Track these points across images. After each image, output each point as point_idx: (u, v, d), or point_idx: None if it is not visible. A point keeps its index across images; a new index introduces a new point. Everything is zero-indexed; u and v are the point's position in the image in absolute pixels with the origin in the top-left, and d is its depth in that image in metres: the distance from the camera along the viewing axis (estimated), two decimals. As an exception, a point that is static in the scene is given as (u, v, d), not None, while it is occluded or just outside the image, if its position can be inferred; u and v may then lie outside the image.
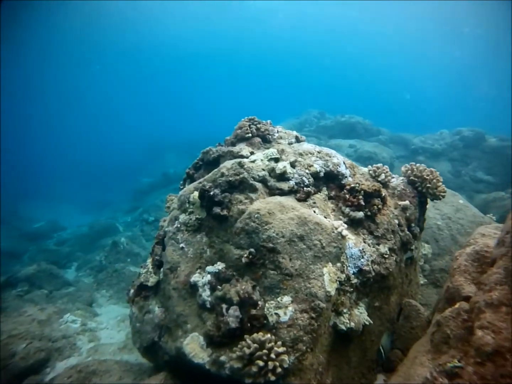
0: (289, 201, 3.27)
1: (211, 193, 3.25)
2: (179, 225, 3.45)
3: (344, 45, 58.60)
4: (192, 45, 53.49)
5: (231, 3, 39.36)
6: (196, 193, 3.44)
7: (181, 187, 4.54)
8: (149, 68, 51.68)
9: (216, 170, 3.51)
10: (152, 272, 3.67)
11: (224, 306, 2.78)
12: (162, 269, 3.52)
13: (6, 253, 13.09)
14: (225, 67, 61.72)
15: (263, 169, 3.49)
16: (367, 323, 3.05)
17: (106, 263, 9.86)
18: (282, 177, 3.45)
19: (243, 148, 3.91)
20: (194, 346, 2.84)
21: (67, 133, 49.85)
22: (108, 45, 43.46)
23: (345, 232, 3.14)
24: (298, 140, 4.40)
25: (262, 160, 3.62)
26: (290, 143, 4.25)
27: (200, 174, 4.18)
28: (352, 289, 3.05)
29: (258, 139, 4.10)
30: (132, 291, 4.05)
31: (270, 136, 4.21)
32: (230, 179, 3.30)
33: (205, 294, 2.98)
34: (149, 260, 3.85)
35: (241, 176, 3.30)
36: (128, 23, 39.79)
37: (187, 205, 3.48)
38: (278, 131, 4.37)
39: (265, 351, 2.47)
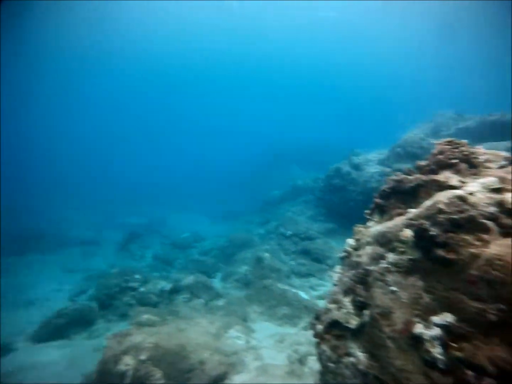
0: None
1: (432, 233, 2.88)
2: (387, 265, 3.18)
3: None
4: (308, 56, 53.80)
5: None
6: (407, 231, 3.11)
7: (369, 217, 4.27)
8: (264, 78, 53.60)
9: (429, 205, 3.12)
10: (353, 313, 3.46)
11: (469, 373, 2.36)
12: (367, 312, 3.28)
13: (162, 259, 14.91)
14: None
15: (489, 203, 2.96)
16: None
17: (252, 277, 10.29)
18: (514, 212, 2.87)
19: (450, 177, 3.43)
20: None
21: (194, 147, 55.42)
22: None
23: None
24: (510, 161, 3.69)
25: (481, 191, 3.09)
26: (501, 167, 3.59)
27: (393, 205, 3.84)
28: None
29: (464, 165, 3.57)
30: (320, 326, 3.92)
31: (476, 160, 3.63)
32: (454, 216, 2.87)
33: (436, 351, 2.60)
34: (346, 299, 3.66)
35: (467, 213, 2.84)
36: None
37: (397, 244, 3.18)
38: (484, 153, 3.75)
39: None
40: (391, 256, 3.20)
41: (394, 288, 3.06)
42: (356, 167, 15.08)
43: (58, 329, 9.71)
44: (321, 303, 8.73)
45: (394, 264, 3.13)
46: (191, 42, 35.87)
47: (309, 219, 15.41)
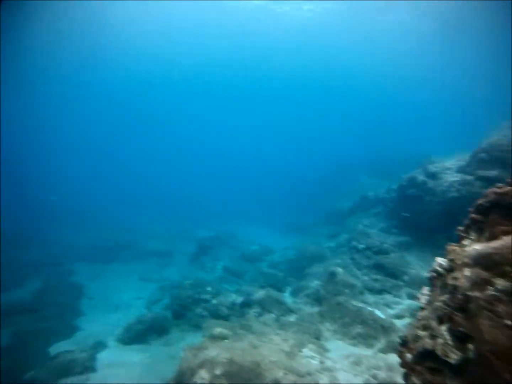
0: None
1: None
2: (496, 293, 2.76)
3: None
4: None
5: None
6: (518, 253, 2.68)
7: (463, 234, 3.80)
8: (329, 86, 52.55)
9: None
10: (452, 345, 3.06)
11: None
12: (471, 346, 2.87)
13: (232, 272, 15.13)
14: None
15: None
16: None
17: (324, 293, 9.92)
18: None
19: None
20: None
21: (260, 159, 56.08)
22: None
23: None
24: None
25: None
26: None
27: (495, 221, 3.37)
28: None
29: None
30: (409, 355, 3.54)
31: None
32: None
33: None
34: (442, 327, 3.26)
35: None
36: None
37: (509, 268, 2.75)
38: None
39: None
40: (500, 283, 2.77)
41: (509, 322, 2.62)
42: (433, 175, 13.97)
43: (139, 334, 10.56)
44: (399, 324, 8.09)
45: (506, 293, 2.70)
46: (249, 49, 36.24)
47: (382, 231, 14.56)
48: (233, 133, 64.82)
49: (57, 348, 10.39)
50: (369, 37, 32.75)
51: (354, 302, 8.78)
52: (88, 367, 8.98)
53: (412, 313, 8.49)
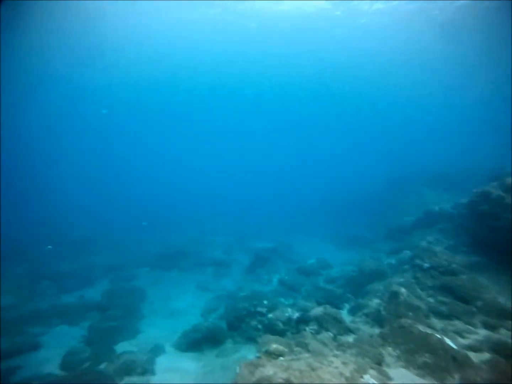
0: None
1: None
2: None
3: None
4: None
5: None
6: None
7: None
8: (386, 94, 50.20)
9: None
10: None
11: None
12: None
13: (288, 285, 14.96)
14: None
15: None
16: None
17: (385, 313, 9.35)
18: None
19: None
20: None
21: (317, 169, 55.36)
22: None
23: None
24: None
25: None
26: None
27: None
28: None
29: None
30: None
31: None
32: None
33: None
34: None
35: None
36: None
37: None
38: None
39: None
40: None
41: None
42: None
43: (194, 342, 10.88)
44: (477, 358, 7.31)
45: None
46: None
47: (449, 250, 13.49)
48: (294, 144, 64.77)
49: (121, 347, 11.33)
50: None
51: (420, 327, 8.12)
52: (148, 369, 9.54)
53: (493, 347, 7.65)
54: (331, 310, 9.56)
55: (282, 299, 13.45)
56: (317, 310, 9.56)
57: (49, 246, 19.99)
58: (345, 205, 32.03)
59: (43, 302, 14.70)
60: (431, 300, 10.15)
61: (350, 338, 8.91)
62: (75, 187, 46.46)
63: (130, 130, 55.67)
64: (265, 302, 11.17)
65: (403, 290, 9.64)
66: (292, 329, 10.11)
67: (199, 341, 10.82)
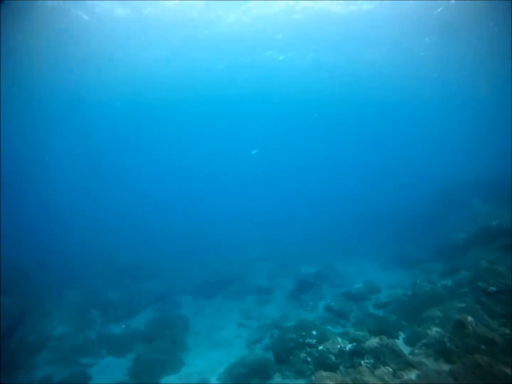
0: None
1: None
2: None
3: None
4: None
5: None
6: None
7: None
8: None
9: None
10: None
11: None
12: None
13: (335, 312, 14.13)
14: None
15: None
16: None
17: (452, 346, 8.35)
18: None
19: None
20: None
21: (356, 185, 53.70)
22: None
23: None
24: None
25: None
26: None
27: None
28: None
29: None
30: None
31: None
32: None
33: None
34: None
35: None
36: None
37: None
38: None
39: None
40: None
41: None
42: None
43: (241, 376, 10.47)
44: None
45: None
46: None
47: (516, 270, 12.18)
48: (333, 157, 63.27)
49: (166, 380, 11.17)
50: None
51: (501, 367, 7.08)
52: (195, 406, 9.14)
53: None
54: (387, 341, 8.72)
55: (329, 327, 12.65)
56: (372, 342, 8.77)
57: None
58: (388, 220, 30.26)
59: (92, 332, 15.04)
60: (506, 330, 9.01)
61: (412, 375, 8.02)
62: (121, 213, 47.76)
63: (167, 153, 56.40)
64: (314, 332, 10.48)
65: (470, 318, 8.59)
66: (345, 362, 9.33)
67: (246, 375, 10.30)
